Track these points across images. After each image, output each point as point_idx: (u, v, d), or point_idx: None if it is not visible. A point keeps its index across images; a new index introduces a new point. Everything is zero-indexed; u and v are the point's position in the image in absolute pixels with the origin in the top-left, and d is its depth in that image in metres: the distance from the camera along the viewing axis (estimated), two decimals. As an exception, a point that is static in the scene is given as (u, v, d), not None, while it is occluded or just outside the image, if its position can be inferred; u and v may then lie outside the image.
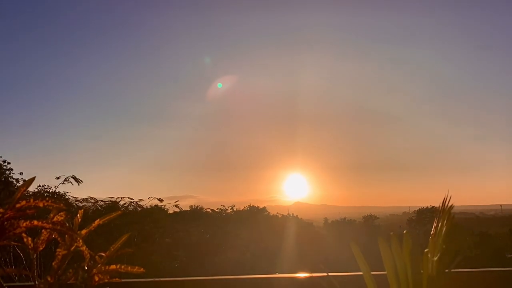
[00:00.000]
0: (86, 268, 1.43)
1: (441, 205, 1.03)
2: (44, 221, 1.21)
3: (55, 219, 1.29)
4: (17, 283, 1.96)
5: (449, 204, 1.00)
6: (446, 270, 0.98)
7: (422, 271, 0.96)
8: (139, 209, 13.98)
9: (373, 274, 1.05)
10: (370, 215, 43.93)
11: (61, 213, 1.32)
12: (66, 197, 11.37)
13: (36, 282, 1.32)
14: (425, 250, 0.97)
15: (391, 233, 1.01)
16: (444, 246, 0.95)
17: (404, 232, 1.00)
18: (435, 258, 0.95)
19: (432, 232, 1.03)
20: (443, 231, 0.96)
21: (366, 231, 37.75)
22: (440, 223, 0.98)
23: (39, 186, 11.27)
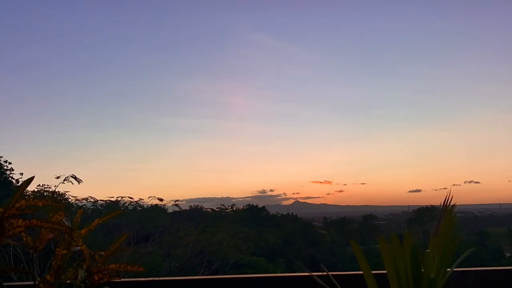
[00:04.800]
0: (86, 267, 1.42)
1: (442, 204, 1.03)
2: (43, 221, 1.21)
3: (54, 218, 1.29)
4: (17, 283, 1.96)
5: (451, 204, 1.00)
6: (448, 270, 0.98)
7: (422, 271, 0.95)
8: (139, 208, 14.00)
9: (373, 273, 1.05)
10: (370, 215, 44.02)
11: (61, 213, 1.32)
12: (66, 196, 11.39)
13: (36, 282, 1.31)
14: (427, 250, 0.97)
15: (392, 233, 1.01)
16: (445, 246, 0.95)
17: (406, 232, 1.00)
18: (437, 258, 0.95)
19: (433, 231, 1.03)
20: (445, 231, 0.96)
21: (366, 231, 37.85)
22: (441, 223, 0.98)
23: (39, 185, 11.28)
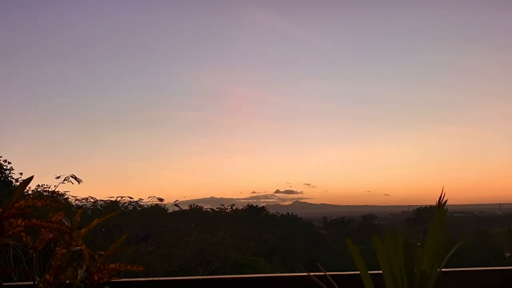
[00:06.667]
0: (86, 267, 1.42)
1: (437, 202, 1.03)
2: (43, 220, 1.21)
3: (54, 218, 1.29)
4: (17, 283, 1.96)
5: (444, 201, 1.01)
6: (438, 270, 0.98)
7: (415, 269, 0.96)
8: (139, 208, 14.00)
9: (371, 273, 1.05)
10: (369, 215, 44.07)
11: (60, 212, 1.32)
12: (66, 196, 11.39)
13: (36, 281, 1.32)
14: (417, 244, 0.97)
15: (385, 230, 1.01)
16: (437, 241, 0.95)
17: (398, 228, 1.00)
18: (430, 254, 0.95)
19: (429, 230, 1.03)
20: (436, 227, 0.97)
21: (366, 231, 37.87)
22: (433, 221, 0.99)
23: (39, 185, 11.28)
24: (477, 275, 1.90)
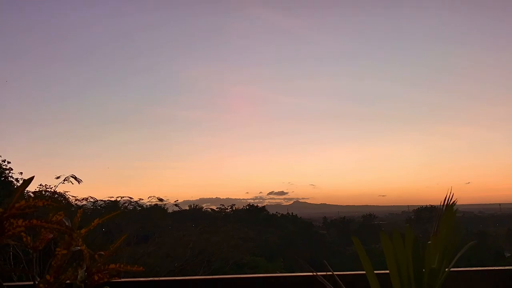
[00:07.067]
0: (86, 267, 1.42)
1: (443, 202, 1.03)
2: (43, 220, 1.20)
3: (54, 218, 1.29)
4: (17, 283, 1.96)
5: (452, 202, 1.00)
6: (446, 269, 0.98)
7: (423, 268, 0.95)
8: (139, 208, 14.01)
9: (375, 273, 1.05)
10: (370, 215, 44.12)
11: (60, 213, 1.32)
12: (66, 196, 11.39)
13: (36, 281, 1.31)
14: (428, 242, 0.97)
15: (394, 228, 1.01)
16: (446, 243, 0.95)
17: (407, 225, 1.00)
18: (438, 254, 0.95)
19: (433, 229, 1.03)
20: (445, 228, 0.96)
21: (366, 230, 37.87)
22: (442, 220, 0.98)
23: (40, 185, 11.28)
24: (477, 275, 1.89)
